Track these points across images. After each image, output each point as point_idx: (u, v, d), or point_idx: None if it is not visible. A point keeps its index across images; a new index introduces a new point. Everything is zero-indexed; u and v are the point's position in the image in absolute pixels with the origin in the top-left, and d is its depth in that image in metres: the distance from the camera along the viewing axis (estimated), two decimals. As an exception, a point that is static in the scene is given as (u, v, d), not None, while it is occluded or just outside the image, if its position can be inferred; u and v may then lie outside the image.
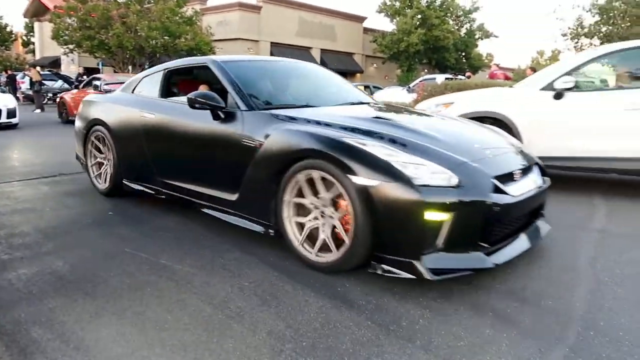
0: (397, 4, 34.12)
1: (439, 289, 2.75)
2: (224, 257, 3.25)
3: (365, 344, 2.21)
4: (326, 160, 2.82)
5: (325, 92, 4.42)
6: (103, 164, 4.79)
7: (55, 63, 35.20)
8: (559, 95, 5.20)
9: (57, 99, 13.55)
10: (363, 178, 2.65)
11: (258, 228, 3.32)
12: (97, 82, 12.75)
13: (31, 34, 46.99)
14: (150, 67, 27.85)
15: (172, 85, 4.57)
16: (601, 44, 24.02)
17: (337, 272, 2.92)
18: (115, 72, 26.15)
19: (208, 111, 3.55)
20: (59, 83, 21.83)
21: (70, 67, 32.97)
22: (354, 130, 3.04)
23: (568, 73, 5.28)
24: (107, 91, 9.85)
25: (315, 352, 2.14)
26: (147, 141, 4.20)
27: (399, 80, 34.52)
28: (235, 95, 3.59)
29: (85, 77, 17.96)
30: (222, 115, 3.52)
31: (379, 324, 2.39)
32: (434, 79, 16.93)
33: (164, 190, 4.13)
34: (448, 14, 34.90)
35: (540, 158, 3.74)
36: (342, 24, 35.62)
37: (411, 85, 17.31)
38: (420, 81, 16.82)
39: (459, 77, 17.85)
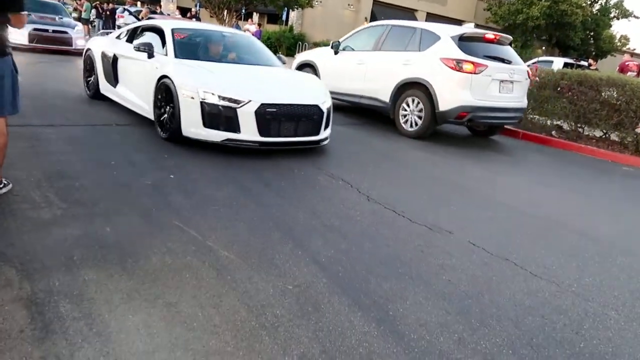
0: (522, -30, 31.59)
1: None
2: (275, 248, 3.14)
3: (407, 394, 2.00)
4: None
5: None
6: None
7: (156, 0, 36.84)
8: (336, 52, 8.95)
9: None
10: None
11: None
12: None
13: (137, -32, 49.38)
14: (246, 14, 28.34)
15: None
16: None
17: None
18: (210, 16, 26.84)
19: None
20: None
21: (169, 6, 34.32)
22: None
23: (345, 39, 9.03)
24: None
25: (347, 392, 1.97)
26: None
27: (510, 56, 32.34)
28: None
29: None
30: None
31: (427, 369, 2.16)
32: (552, 62, 15.51)
33: None
34: (581, -14, 31.83)
35: (331, 92, 6.58)
36: (456, -13, 33.79)
37: (523, 66, 15.97)
38: (534, 63, 15.50)
39: (581, 62, 16.21)
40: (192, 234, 3.19)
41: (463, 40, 7.32)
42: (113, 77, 6.75)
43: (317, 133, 5.68)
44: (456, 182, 5.36)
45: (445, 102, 7.08)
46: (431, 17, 33.04)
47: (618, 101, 8.09)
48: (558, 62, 15.36)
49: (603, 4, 33.51)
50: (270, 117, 5.14)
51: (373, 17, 30.48)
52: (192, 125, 5.12)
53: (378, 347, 2.28)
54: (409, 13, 32.35)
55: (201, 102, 5.00)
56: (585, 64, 15.51)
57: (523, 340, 2.47)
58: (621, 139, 8.38)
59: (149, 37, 6.46)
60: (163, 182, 4.16)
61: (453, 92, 7.05)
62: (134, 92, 6.30)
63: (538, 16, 30.00)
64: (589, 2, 32.69)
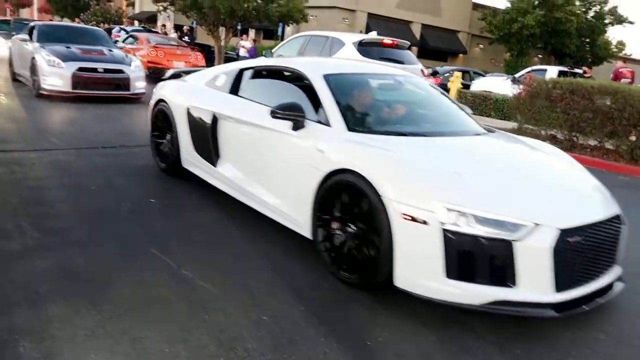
0: (516, -21, 31.75)
1: (491, 367, 2.33)
2: (252, 277, 3.03)
3: None
4: None
5: None
6: None
7: (152, 18, 37.05)
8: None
9: None
10: None
11: None
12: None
13: (134, -13, 49.75)
14: (242, 31, 28.53)
15: None
16: None
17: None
18: (207, 34, 26.95)
19: None
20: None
21: (166, 23, 34.55)
22: None
23: (278, 48, 10.94)
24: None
25: None
26: None
27: (506, 65, 32.40)
28: None
29: None
30: None
31: (403, 406, 2.05)
32: (545, 70, 15.48)
33: None
34: (575, -6, 31.94)
35: None
36: (450, -2, 33.97)
37: (517, 75, 15.97)
38: (529, 72, 15.48)
39: (576, 70, 16.16)
40: (168, 262, 3.10)
41: (362, 46, 9.05)
42: (213, 150, 4.20)
43: (615, 264, 2.99)
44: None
45: None
46: (426, 28, 33.23)
47: (611, 109, 8.02)
48: (552, 71, 15.30)
49: (598, 10, 33.62)
50: (574, 254, 2.65)
51: (368, 30, 30.59)
52: (422, 274, 2.66)
53: (353, 381, 2.17)
54: (403, 25, 32.52)
55: (444, 231, 2.54)
56: (580, 71, 15.46)
57: (507, 369, 2.36)
58: (616, 147, 8.30)
59: (275, 89, 4.14)
60: (144, 206, 4.07)
61: None
62: (264, 185, 3.76)
63: (533, 25, 30.09)
64: (583, 9, 32.82)
